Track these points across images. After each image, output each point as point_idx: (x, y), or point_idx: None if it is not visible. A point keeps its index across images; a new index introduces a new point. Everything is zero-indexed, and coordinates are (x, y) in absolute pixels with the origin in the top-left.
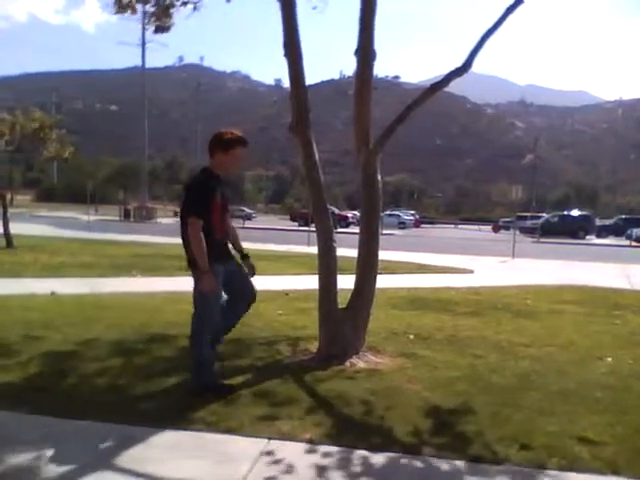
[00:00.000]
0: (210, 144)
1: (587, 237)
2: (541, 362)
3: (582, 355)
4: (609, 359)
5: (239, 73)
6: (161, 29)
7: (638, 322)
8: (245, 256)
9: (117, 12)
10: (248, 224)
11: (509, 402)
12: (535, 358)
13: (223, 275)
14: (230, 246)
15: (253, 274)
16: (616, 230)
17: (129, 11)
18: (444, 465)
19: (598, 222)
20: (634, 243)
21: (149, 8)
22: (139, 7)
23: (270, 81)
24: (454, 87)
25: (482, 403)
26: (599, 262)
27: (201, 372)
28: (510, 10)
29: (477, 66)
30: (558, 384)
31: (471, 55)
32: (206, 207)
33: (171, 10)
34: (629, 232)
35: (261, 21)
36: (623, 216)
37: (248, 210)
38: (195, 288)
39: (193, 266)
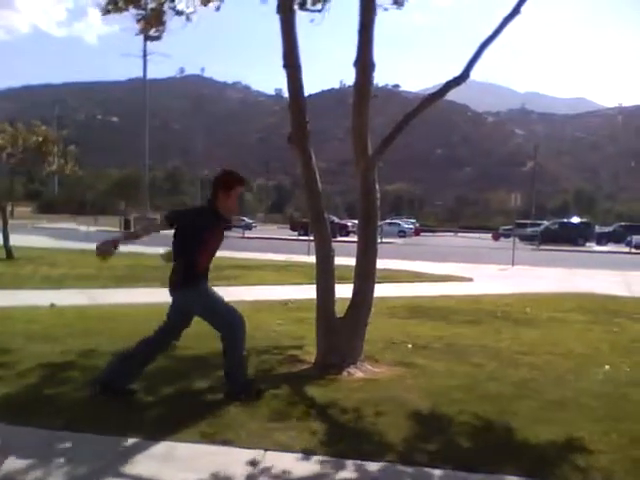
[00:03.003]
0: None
1: (587, 244)
2: (539, 370)
3: (580, 363)
4: (607, 367)
5: (240, 84)
6: (152, 37)
7: (637, 330)
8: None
9: (105, 13)
10: (248, 234)
11: (506, 411)
12: (533, 366)
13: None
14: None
15: None
16: (616, 237)
17: (118, 11)
18: (438, 473)
19: (598, 229)
20: (634, 250)
21: (137, 12)
22: (132, 11)
23: (270, 91)
24: (455, 95)
25: (479, 412)
26: (599, 269)
27: (241, 374)
28: (507, 20)
29: (477, 74)
30: (555, 392)
31: (469, 64)
32: (197, 247)
33: (163, 19)
34: (629, 239)
35: (261, 32)
36: (623, 223)
37: (248, 220)
38: (198, 307)
39: (177, 286)
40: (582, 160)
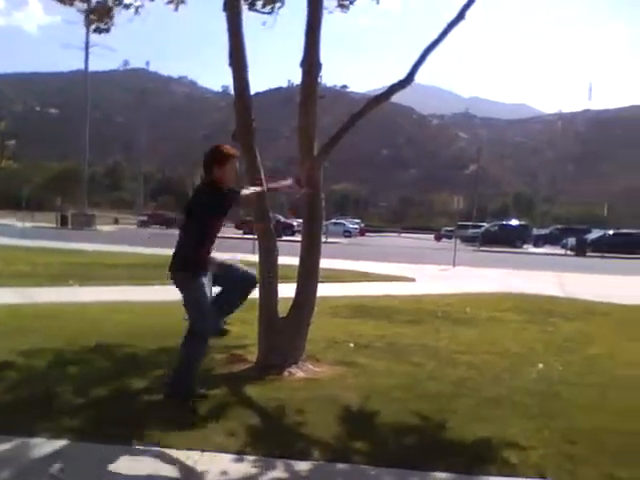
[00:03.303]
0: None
1: (525, 246)
2: (476, 369)
3: (515, 362)
4: (541, 366)
5: (185, 78)
6: (99, 30)
7: (570, 329)
8: None
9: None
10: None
11: (444, 409)
12: (471, 365)
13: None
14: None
15: None
16: (552, 239)
17: (64, 2)
18: (373, 472)
19: (535, 232)
20: (569, 252)
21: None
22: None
23: (217, 88)
24: (400, 98)
25: (418, 410)
26: (535, 270)
27: (188, 375)
28: (451, 25)
29: (423, 78)
30: (491, 390)
31: (413, 68)
32: (220, 215)
33: (112, 12)
34: (564, 241)
35: (209, 28)
36: (559, 226)
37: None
38: (187, 295)
39: (183, 269)
40: (523, 164)
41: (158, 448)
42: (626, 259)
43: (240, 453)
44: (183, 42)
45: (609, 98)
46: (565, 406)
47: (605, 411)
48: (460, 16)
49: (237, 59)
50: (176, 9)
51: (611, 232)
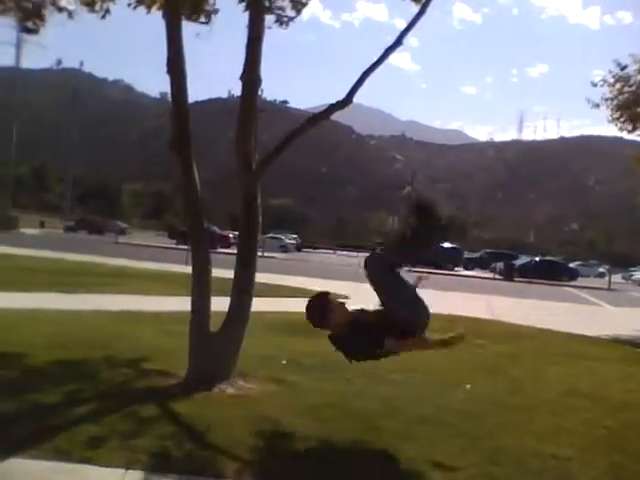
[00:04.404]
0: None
1: (456, 268)
2: (405, 388)
3: (443, 381)
4: (468, 386)
5: (122, 82)
6: (28, 30)
7: (498, 350)
8: None
9: None
10: (122, 239)
11: (371, 427)
12: (399, 384)
13: None
14: None
15: None
16: (482, 263)
17: None
18: None
19: (466, 255)
20: (497, 276)
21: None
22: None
23: (155, 94)
24: (341, 117)
25: (345, 429)
26: (465, 292)
27: None
28: (389, 50)
29: (363, 98)
30: (418, 410)
31: (352, 90)
32: None
33: (43, 12)
34: (493, 265)
35: (147, 32)
36: (488, 250)
37: (122, 224)
38: None
39: None
40: (455, 189)
41: (79, 464)
42: (550, 285)
43: (164, 470)
44: (120, 44)
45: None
46: (491, 427)
47: (529, 433)
48: (398, 42)
49: (175, 66)
50: (103, 17)
51: (537, 259)
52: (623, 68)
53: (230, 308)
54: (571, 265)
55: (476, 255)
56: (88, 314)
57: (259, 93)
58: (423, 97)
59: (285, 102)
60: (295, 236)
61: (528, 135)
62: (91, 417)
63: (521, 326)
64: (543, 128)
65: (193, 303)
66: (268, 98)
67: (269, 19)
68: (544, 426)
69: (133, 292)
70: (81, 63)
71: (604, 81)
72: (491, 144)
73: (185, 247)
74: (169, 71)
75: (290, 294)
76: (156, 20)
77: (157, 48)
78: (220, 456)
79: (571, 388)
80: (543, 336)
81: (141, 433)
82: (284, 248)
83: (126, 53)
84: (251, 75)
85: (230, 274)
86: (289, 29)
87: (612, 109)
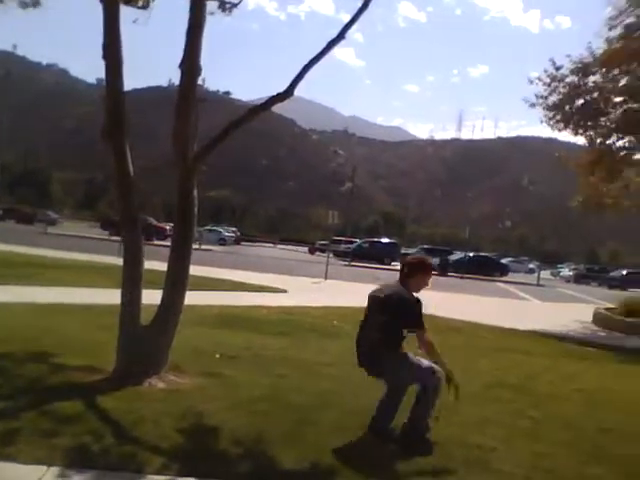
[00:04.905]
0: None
1: (393, 263)
2: (339, 381)
3: None
4: None
5: (56, 66)
6: None
7: (435, 342)
8: None
9: None
10: (52, 230)
11: (306, 421)
12: (334, 377)
13: None
14: None
15: None
16: None
17: None
18: None
19: (403, 250)
20: (433, 272)
21: None
22: None
23: (91, 80)
24: (283, 109)
25: (280, 422)
26: None
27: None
28: (332, 44)
29: (306, 92)
30: (352, 403)
31: (293, 83)
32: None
33: None
34: None
35: (84, 16)
36: (424, 246)
37: (53, 214)
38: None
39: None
40: (395, 185)
41: (2, 462)
42: (482, 280)
43: (89, 467)
44: (56, 28)
45: (476, 130)
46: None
47: (455, 424)
48: (340, 36)
49: (112, 52)
50: (34, 6)
51: (471, 254)
52: (558, 68)
53: (163, 300)
54: (503, 261)
55: (413, 250)
56: (15, 307)
57: (200, 82)
58: (366, 93)
59: (228, 93)
60: (234, 229)
61: (467, 134)
62: (9, 413)
63: (453, 320)
64: (481, 128)
65: (123, 295)
66: (211, 88)
67: (212, 5)
68: (470, 417)
69: (63, 284)
70: (14, 46)
71: (539, 79)
72: (431, 142)
73: (118, 238)
74: (105, 57)
75: (226, 288)
76: (93, 3)
77: (94, 32)
78: (145, 451)
79: (498, 380)
80: (473, 330)
81: (63, 429)
82: (222, 241)
83: (62, 36)
84: (191, 63)
85: (164, 266)
86: (234, 19)
87: (545, 108)
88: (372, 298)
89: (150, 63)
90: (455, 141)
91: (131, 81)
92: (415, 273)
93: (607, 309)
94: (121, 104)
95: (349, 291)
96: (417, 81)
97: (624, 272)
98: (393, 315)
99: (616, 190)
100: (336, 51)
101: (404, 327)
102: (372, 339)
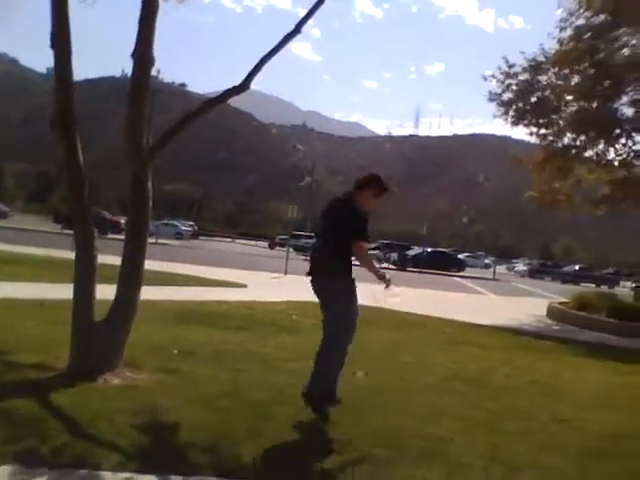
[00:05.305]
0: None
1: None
2: (298, 376)
3: None
4: (360, 373)
5: (6, 56)
6: None
7: (386, 337)
8: None
9: None
10: (3, 223)
11: (265, 416)
12: (293, 372)
13: None
14: None
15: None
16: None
17: None
18: None
19: None
20: (391, 266)
21: None
22: None
23: (42, 69)
24: (241, 103)
25: (239, 418)
26: (360, 282)
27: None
28: (287, 38)
29: (264, 86)
30: None
31: (249, 76)
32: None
33: None
34: (387, 255)
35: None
36: (384, 241)
37: (4, 207)
38: (339, 300)
39: (335, 276)
40: (353, 180)
41: None
42: (440, 275)
43: (37, 466)
44: (5, 14)
45: (433, 127)
46: (376, 410)
47: (413, 416)
48: (296, 30)
49: (60, 41)
50: None
51: (429, 250)
52: (511, 66)
53: (117, 295)
54: (460, 256)
55: (372, 245)
56: None
57: (154, 73)
58: (324, 88)
59: (183, 85)
60: (192, 223)
61: (424, 131)
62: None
63: (411, 314)
64: (438, 125)
65: (76, 290)
66: (166, 80)
67: None
68: (426, 409)
69: (14, 279)
70: None
71: (494, 77)
72: (389, 138)
73: (71, 232)
74: (53, 46)
75: (184, 282)
76: None
77: (44, 20)
78: (102, 449)
79: (455, 373)
80: (431, 323)
81: (16, 428)
82: (179, 235)
83: (11, 24)
84: (143, 53)
85: (119, 261)
86: (190, 11)
87: (498, 104)
88: (326, 207)
89: (103, 53)
90: (412, 137)
91: (82, 71)
92: (366, 187)
93: (560, 303)
94: (71, 94)
95: (308, 286)
96: (375, 77)
97: (577, 267)
98: (343, 220)
99: (568, 187)
100: (293, 45)
101: (351, 234)
102: (326, 244)
